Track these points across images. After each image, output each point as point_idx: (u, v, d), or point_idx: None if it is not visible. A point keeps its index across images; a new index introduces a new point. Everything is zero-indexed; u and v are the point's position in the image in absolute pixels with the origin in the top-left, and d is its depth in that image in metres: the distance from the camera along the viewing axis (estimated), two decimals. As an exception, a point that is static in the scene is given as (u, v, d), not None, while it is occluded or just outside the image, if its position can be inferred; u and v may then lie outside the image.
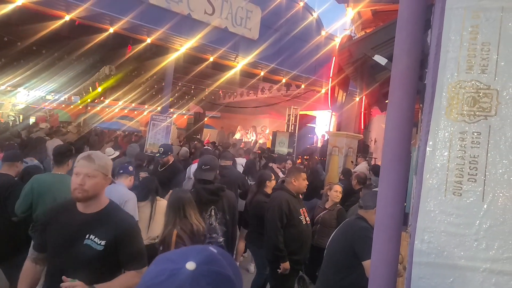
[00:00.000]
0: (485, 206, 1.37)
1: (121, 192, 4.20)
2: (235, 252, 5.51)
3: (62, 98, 24.30)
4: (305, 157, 12.96)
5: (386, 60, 2.52)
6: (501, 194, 1.36)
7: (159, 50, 11.28)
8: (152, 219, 4.32)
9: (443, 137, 1.44)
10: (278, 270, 4.18)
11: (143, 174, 5.52)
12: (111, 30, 9.74)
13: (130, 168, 4.51)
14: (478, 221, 1.37)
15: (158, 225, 3.97)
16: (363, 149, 13.18)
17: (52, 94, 23.56)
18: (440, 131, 1.44)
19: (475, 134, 1.39)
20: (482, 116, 1.39)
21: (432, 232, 1.43)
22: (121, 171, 4.43)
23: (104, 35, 9.92)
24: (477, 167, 1.38)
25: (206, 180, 3.97)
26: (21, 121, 19.54)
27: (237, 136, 20.05)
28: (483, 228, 1.37)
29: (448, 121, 1.43)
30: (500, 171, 1.36)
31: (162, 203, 4.34)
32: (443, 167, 1.43)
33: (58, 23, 9.02)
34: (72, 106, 24.35)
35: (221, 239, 3.93)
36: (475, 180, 1.39)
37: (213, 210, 3.94)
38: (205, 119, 21.06)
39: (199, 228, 3.33)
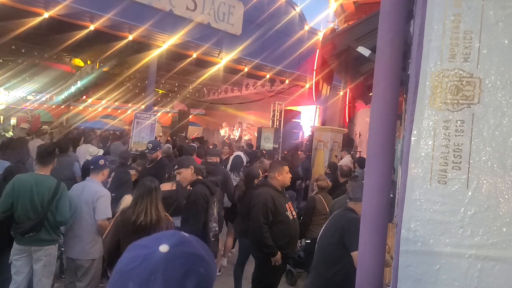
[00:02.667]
0: (469, 193, 1.38)
1: (93, 189, 4.11)
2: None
3: (44, 98, 23.83)
4: (285, 152, 12.93)
5: (370, 52, 2.53)
6: (485, 181, 1.37)
7: (141, 47, 11.15)
8: None
9: (427, 126, 1.44)
10: (270, 263, 4.11)
11: (132, 172, 5.49)
12: (92, 27, 9.57)
13: (101, 162, 4.28)
14: (463, 208, 1.39)
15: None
16: (348, 143, 13.26)
17: (33, 94, 23.07)
18: (424, 120, 1.45)
19: (459, 122, 1.40)
20: (465, 104, 1.40)
21: (418, 220, 1.44)
22: (92, 166, 4.25)
23: (84, 32, 9.75)
24: (461, 155, 1.39)
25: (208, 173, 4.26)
26: (1, 122, 19.11)
27: (222, 132, 19.96)
28: (468, 215, 1.38)
29: (432, 110, 1.44)
30: (484, 158, 1.37)
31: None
32: (427, 156, 1.44)
33: (37, 20, 8.82)
34: (53, 106, 23.90)
35: (217, 228, 4.14)
36: (460, 168, 1.40)
37: (215, 201, 4.10)
38: (190, 116, 20.93)
39: (139, 218, 3.20)
